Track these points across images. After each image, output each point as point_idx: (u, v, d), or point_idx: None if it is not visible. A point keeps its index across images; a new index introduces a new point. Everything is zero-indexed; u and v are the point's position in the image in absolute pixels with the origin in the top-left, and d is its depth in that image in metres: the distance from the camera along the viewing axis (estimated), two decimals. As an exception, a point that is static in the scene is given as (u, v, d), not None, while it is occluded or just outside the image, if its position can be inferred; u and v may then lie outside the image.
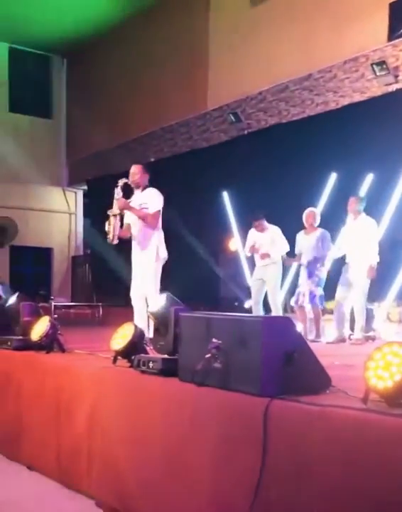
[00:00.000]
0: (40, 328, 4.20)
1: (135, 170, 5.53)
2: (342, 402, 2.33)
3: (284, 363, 2.50)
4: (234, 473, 2.50)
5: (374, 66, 8.25)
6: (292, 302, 6.54)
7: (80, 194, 15.83)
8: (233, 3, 11.05)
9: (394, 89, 8.24)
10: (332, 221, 6.94)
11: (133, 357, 3.40)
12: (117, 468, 3.17)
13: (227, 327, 2.68)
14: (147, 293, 5.32)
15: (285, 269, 7.07)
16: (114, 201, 5.40)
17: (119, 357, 3.54)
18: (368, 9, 8.69)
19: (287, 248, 6.72)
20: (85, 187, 15.29)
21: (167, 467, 2.84)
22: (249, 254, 7.03)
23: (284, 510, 2.29)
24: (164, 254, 5.52)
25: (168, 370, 3.02)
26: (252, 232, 6.98)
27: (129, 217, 5.52)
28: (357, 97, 8.78)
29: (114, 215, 5.37)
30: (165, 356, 3.15)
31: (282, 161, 8.92)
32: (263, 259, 6.68)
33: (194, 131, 11.73)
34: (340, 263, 6.40)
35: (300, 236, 6.78)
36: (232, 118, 10.57)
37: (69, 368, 3.76)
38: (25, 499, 3.54)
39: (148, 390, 3.08)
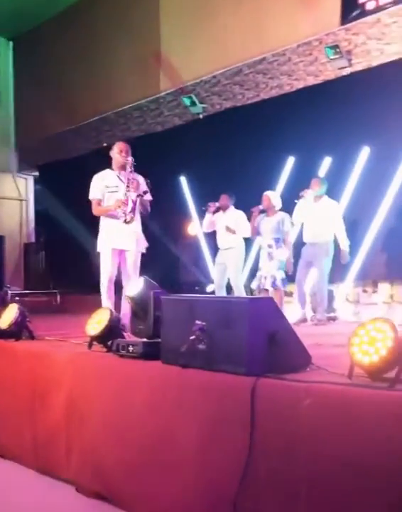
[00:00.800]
0: (8, 316, 4.15)
1: (127, 148, 5.36)
2: (326, 378, 2.40)
3: (268, 343, 2.56)
4: (221, 452, 2.55)
5: (328, 49, 8.32)
6: (253, 285, 6.61)
7: (31, 180, 15.55)
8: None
9: (348, 72, 8.35)
10: (292, 204, 7.01)
11: (110, 342, 3.42)
12: (98, 453, 3.19)
13: (211, 309, 2.71)
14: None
15: (246, 253, 7.12)
16: (130, 180, 5.13)
17: (94, 342, 3.54)
18: (319, -8, 8.75)
19: (249, 234, 6.76)
20: (36, 173, 15.03)
21: (151, 449, 2.87)
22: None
23: (273, 486, 2.35)
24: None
25: (150, 353, 3.04)
26: (219, 213, 7.04)
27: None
28: (311, 81, 8.87)
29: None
30: (145, 340, 3.16)
31: (239, 144, 8.96)
32: (227, 232, 6.72)
33: (148, 115, 11.65)
34: (300, 245, 6.51)
35: (261, 219, 6.82)
36: (186, 101, 10.53)
37: (43, 354, 3.73)
38: (2, 489, 3.52)
39: (129, 374, 3.09)
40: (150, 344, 3.08)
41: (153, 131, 11.41)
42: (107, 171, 5.36)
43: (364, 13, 8.22)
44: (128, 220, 5.03)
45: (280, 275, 6.31)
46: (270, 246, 6.45)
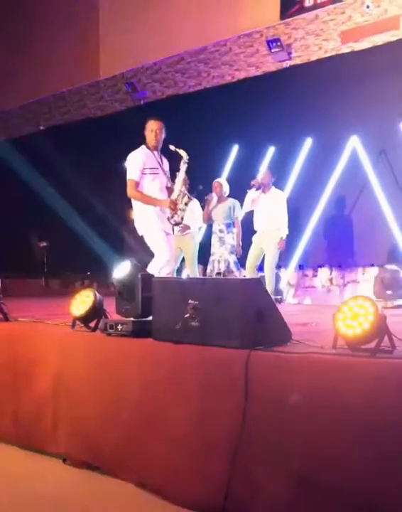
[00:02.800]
0: (-18, 299, 4.25)
1: (158, 126, 5.02)
2: (312, 350, 2.72)
3: (256, 319, 2.85)
4: (216, 420, 2.81)
5: (269, 43, 8.67)
6: (208, 270, 6.90)
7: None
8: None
9: (288, 65, 8.74)
10: (236, 191, 7.31)
11: (93, 322, 3.63)
12: (89, 425, 3.39)
13: (203, 289, 2.97)
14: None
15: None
16: (184, 179, 4.91)
17: (78, 322, 3.73)
18: (261, -14, 9.08)
19: (201, 222, 7.01)
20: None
21: (146, 420, 3.09)
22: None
23: (268, 449, 2.62)
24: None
25: (139, 331, 3.27)
26: None
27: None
28: (253, 72, 9.21)
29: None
30: (133, 319, 3.38)
31: (183, 132, 9.11)
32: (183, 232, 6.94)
33: (88, 99, 11.69)
34: (250, 233, 6.87)
35: (212, 204, 7.07)
36: (128, 87, 10.65)
37: (26, 334, 3.88)
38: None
39: (119, 350, 3.31)
40: (139, 322, 3.31)
41: (94, 116, 11.45)
42: (143, 149, 5.02)
43: (303, 10, 8.64)
44: (179, 223, 4.88)
45: (233, 258, 6.65)
46: (221, 231, 6.75)
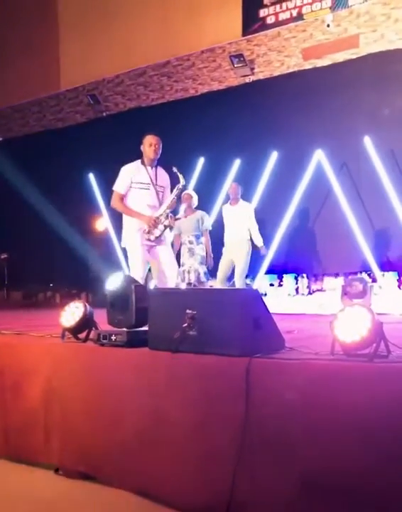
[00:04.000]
0: (-35, 312, 4.23)
1: (157, 141, 5.02)
2: (310, 356, 2.85)
3: (254, 327, 2.96)
4: (216, 427, 2.89)
5: (232, 58, 8.86)
6: (179, 280, 6.97)
7: None
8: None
9: (251, 80, 8.94)
10: (203, 203, 7.44)
11: (82, 333, 3.67)
12: (83, 435, 3.42)
13: (201, 299, 3.06)
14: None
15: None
16: (172, 201, 4.93)
17: (67, 334, 3.76)
18: (222, 3, 9.30)
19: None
20: None
21: (143, 428, 3.15)
22: None
23: (270, 452, 2.71)
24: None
25: (134, 341, 3.33)
26: None
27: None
28: (216, 86, 9.39)
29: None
30: (126, 329, 3.44)
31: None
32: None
33: (47, 111, 11.65)
34: (220, 244, 7.01)
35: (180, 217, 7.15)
36: (90, 99, 10.68)
37: (12, 346, 3.88)
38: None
39: (114, 360, 3.36)
40: (134, 333, 3.37)
41: (54, 127, 11.42)
42: (138, 164, 5.02)
43: (265, 27, 8.89)
44: (151, 239, 4.85)
45: (203, 269, 6.75)
46: (191, 242, 6.84)
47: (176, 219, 5.14)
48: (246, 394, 2.80)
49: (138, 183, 4.90)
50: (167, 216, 4.85)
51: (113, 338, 3.41)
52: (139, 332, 3.38)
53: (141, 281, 4.82)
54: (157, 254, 4.96)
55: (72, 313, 3.73)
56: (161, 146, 5.01)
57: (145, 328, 3.41)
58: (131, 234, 4.93)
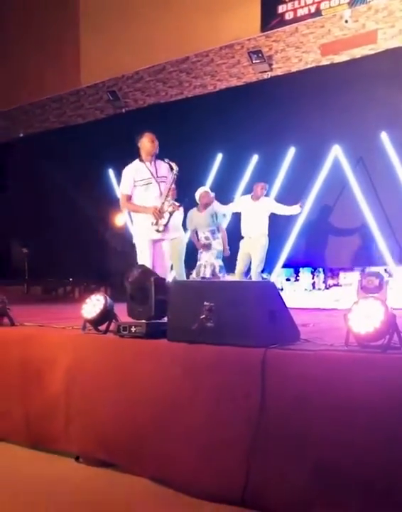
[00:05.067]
0: (-12, 304, 4.35)
1: (154, 137, 5.19)
2: (324, 347, 2.91)
3: (270, 319, 3.03)
4: (232, 415, 2.97)
5: (251, 54, 8.90)
6: (194, 274, 7.06)
7: None
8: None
9: (269, 76, 8.98)
10: (222, 199, 7.50)
11: (102, 325, 3.77)
12: (102, 424, 3.52)
13: (219, 291, 3.15)
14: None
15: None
16: (170, 189, 5.12)
17: (88, 325, 3.87)
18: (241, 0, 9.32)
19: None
20: None
21: (161, 418, 3.24)
22: None
23: (283, 438, 2.79)
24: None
25: (154, 332, 3.42)
26: None
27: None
28: (234, 82, 9.43)
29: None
30: (145, 321, 3.53)
31: (165, 140, 9.27)
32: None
33: (67, 107, 11.77)
34: (237, 238, 7.08)
35: (194, 214, 7.23)
36: (109, 96, 10.77)
37: (35, 337, 4.00)
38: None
39: (134, 351, 3.45)
40: (153, 324, 3.46)
41: (74, 123, 11.54)
42: (136, 162, 5.19)
43: (283, 23, 8.91)
44: (160, 230, 5.03)
45: (219, 263, 6.84)
46: (207, 238, 6.94)
47: (179, 206, 5.36)
48: (262, 383, 2.87)
49: (140, 180, 5.07)
50: (169, 204, 5.04)
51: (133, 329, 3.51)
52: (158, 324, 3.47)
53: None
54: (157, 250, 5.12)
55: (93, 305, 3.83)
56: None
57: (164, 319, 3.51)
58: (139, 230, 5.15)
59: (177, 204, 5.21)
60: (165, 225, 5.03)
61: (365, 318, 2.75)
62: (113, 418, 3.48)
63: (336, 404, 2.68)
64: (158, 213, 5.01)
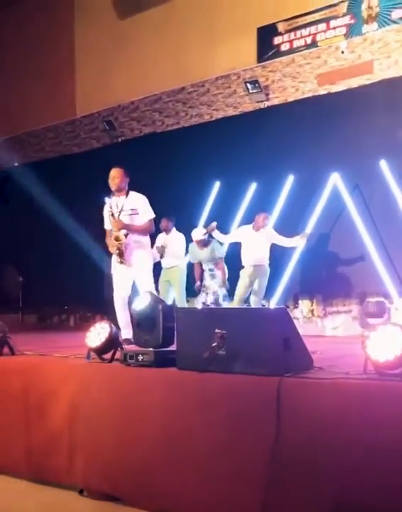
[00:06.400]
0: (-13, 333, 4.24)
1: (115, 174, 5.34)
2: (341, 375, 2.84)
3: (284, 347, 2.96)
4: (246, 446, 2.88)
5: (248, 84, 8.97)
6: (197, 301, 7.04)
7: None
8: (98, 15, 11.23)
9: (265, 105, 9.04)
10: (221, 227, 7.47)
11: (107, 353, 3.67)
12: (107, 456, 3.41)
13: (231, 318, 3.08)
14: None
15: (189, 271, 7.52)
16: (110, 220, 5.26)
17: (92, 354, 3.77)
18: (237, 31, 9.41)
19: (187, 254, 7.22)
20: None
21: (170, 451, 3.14)
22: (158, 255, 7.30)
23: (302, 477, 2.69)
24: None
25: (162, 360, 3.34)
26: (162, 235, 7.38)
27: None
28: (231, 112, 9.48)
29: (125, 235, 5.18)
30: (152, 349, 3.44)
31: (163, 169, 9.32)
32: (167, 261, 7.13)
33: (64, 137, 11.78)
34: (237, 266, 7.06)
35: (195, 249, 7.24)
36: (105, 125, 10.80)
37: (37, 367, 3.90)
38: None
39: (141, 380, 3.36)
40: (161, 352, 3.38)
41: (70, 153, 11.54)
42: (110, 198, 5.44)
43: (279, 54, 9.01)
44: (123, 262, 5.19)
45: (222, 292, 6.86)
46: (211, 269, 7.06)
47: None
48: (277, 413, 2.79)
49: (107, 215, 5.38)
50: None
51: (140, 358, 3.42)
52: (166, 352, 3.39)
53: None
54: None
55: (97, 333, 3.74)
56: (117, 177, 5.40)
57: (172, 347, 3.43)
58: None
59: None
60: (120, 255, 5.19)
61: (384, 346, 2.69)
62: (118, 450, 3.37)
63: (354, 435, 2.60)
64: (112, 244, 5.24)
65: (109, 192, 5.47)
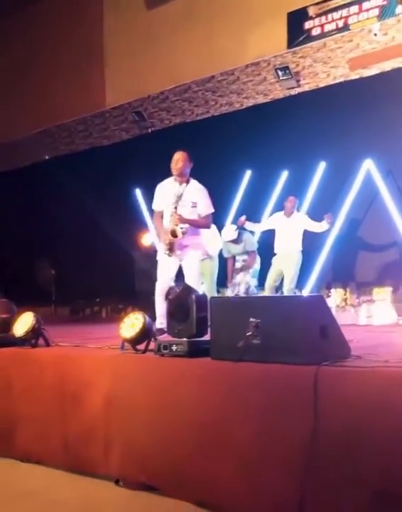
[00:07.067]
0: (24, 324, 4.26)
1: (179, 157, 5.06)
2: (381, 363, 2.76)
3: (321, 335, 2.89)
4: (282, 439, 2.80)
5: (278, 71, 8.85)
6: (229, 292, 7.01)
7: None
8: (127, 6, 11.22)
9: (296, 92, 8.91)
10: (252, 215, 7.43)
11: (141, 344, 3.66)
12: (143, 446, 3.38)
13: (266, 307, 3.02)
14: None
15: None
16: (170, 211, 4.93)
17: (126, 345, 3.76)
18: (267, 17, 9.30)
19: (221, 246, 7.16)
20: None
21: (205, 441, 3.09)
22: None
23: (342, 468, 2.64)
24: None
25: (195, 350, 3.30)
26: None
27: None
28: (261, 99, 9.38)
29: (183, 233, 4.87)
30: (186, 339, 3.41)
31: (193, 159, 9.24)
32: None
33: (93, 129, 11.82)
34: (270, 255, 7.00)
35: (226, 243, 7.22)
36: (135, 116, 10.79)
37: (72, 358, 3.89)
38: (37, 491, 3.62)
39: (175, 371, 3.32)
40: (195, 342, 3.34)
41: (100, 145, 11.57)
42: (169, 179, 5.16)
43: (310, 39, 8.85)
44: (168, 254, 4.96)
45: (254, 282, 6.81)
46: (244, 260, 6.97)
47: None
48: (315, 403, 2.72)
49: (163, 199, 5.14)
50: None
51: (173, 348, 3.39)
52: (200, 342, 3.35)
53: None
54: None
55: (131, 324, 3.72)
56: (181, 160, 5.17)
57: (206, 337, 3.39)
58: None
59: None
60: (169, 249, 4.96)
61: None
62: (154, 440, 3.35)
63: (397, 424, 2.52)
64: (167, 237, 4.97)
65: (160, 176, 5.26)
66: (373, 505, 2.51)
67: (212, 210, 5.18)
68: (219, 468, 3.05)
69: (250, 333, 2.96)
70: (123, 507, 3.30)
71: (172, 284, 5.04)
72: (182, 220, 4.91)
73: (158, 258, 5.19)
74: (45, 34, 12.62)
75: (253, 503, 2.87)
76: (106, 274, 10.26)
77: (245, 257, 7.12)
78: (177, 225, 4.89)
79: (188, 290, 3.47)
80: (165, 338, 3.78)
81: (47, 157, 12.55)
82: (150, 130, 10.82)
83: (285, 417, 2.85)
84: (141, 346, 3.69)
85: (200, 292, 6.61)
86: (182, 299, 3.46)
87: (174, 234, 4.91)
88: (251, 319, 2.98)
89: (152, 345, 3.62)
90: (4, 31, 13.13)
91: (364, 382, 2.63)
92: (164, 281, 5.07)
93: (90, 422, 3.68)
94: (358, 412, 2.62)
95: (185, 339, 3.40)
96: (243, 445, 2.96)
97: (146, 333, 3.67)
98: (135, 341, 3.70)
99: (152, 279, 9.60)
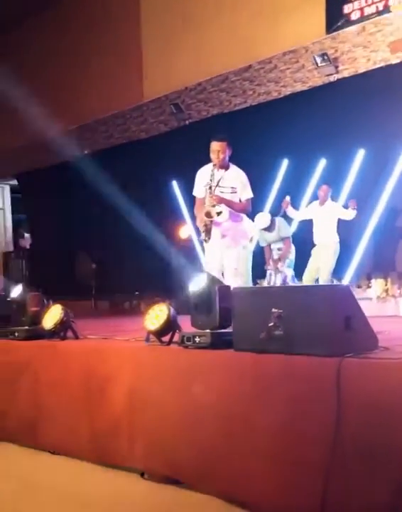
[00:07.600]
0: (53, 316, 4.26)
1: (217, 147, 5.05)
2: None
3: (345, 326, 2.77)
4: (306, 431, 2.72)
5: (316, 57, 8.65)
6: (264, 283, 6.91)
7: (7, 189, 15.54)
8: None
9: (335, 79, 8.69)
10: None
11: (165, 336, 3.60)
12: (168, 439, 3.33)
13: (288, 297, 2.91)
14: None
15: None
16: (206, 193, 4.90)
17: (151, 337, 3.70)
18: (304, 1, 9.07)
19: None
20: (13, 182, 15.01)
21: (229, 433, 3.03)
22: None
23: (366, 460, 2.53)
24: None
25: (218, 342, 3.23)
26: None
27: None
28: (299, 87, 9.18)
29: (218, 213, 4.80)
30: (209, 331, 3.33)
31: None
32: None
33: (131, 123, 11.81)
34: (309, 245, 6.87)
35: (261, 231, 7.14)
36: (173, 109, 10.73)
37: (99, 350, 3.88)
38: (63, 482, 3.62)
39: (199, 362, 3.26)
40: (218, 334, 3.26)
41: (138, 138, 11.56)
42: (209, 165, 5.15)
43: (349, 23, 8.61)
44: (206, 240, 4.92)
45: (290, 272, 6.71)
46: (279, 249, 6.86)
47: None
48: (338, 395, 2.61)
49: (203, 185, 5.08)
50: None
51: (197, 339, 3.32)
52: (223, 333, 3.27)
53: None
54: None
55: (156, 316, 3.67)
56: (222, 150, 5.12)
57: (229, 329, 3.31)
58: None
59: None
60: (207, 233, 4.90)
61: None
62: (178, 433, 3.30)
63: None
64: (203, 219, 4.90)
65: (198, 168, 5.25)
66: (396, 500, 2.40)
67: (251, 195, 5.13)
68: (242, 461, 2.97)
69: (272, 323, 2.87)
70: (148, 499, 3.27)
71: (218, 274, 4.90)
72: (220, 201, 4.86)
73: (204, 246, 5.17)
74: (81, 29, 12.66)
75: (276, 497, 2.79)
76: (144, 267, 10.26)
77: (280, 245, 7.03)
78: (213, 206, 4.84)
79: (212, 281, 3.38)
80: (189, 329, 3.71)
81: (86, 152, 12.60)
82: (187, 122, 10.74)
83: (308, 410, 2.75)
84: (166, 338, 3.64)
85: (237, 283, 6.55)
86: (205, 290, 3.38)
87: (208, 215, 4.85)
88: (274, 310, 2.88)
89: (177, 337, 3.55)
90: (43, 28, 13.25)
91: (388, 374, 2.52)
92: (210, 270, 4.90)
93: (115, 415, 3.65)
94: (382, 405, 2.51)
95: (208, 331, 3.33)
96: (266, 439, 2.88)
97: (171, 325, 3.61)
98: (159, 333, 3.65)
99: (189, 271, 9.59)
